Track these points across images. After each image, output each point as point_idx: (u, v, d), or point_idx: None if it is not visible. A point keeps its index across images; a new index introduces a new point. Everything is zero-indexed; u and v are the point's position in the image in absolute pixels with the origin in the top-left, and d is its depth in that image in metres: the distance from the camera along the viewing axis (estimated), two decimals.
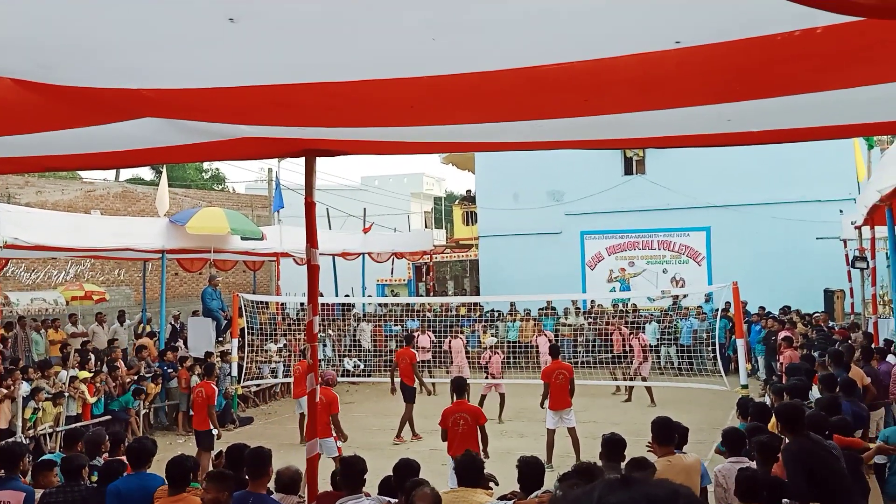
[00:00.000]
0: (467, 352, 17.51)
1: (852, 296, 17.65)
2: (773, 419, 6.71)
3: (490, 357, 15.11)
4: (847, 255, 17.68)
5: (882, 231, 13.87)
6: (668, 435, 5.81)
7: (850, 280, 17.51)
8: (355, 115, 3.90)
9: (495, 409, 14.09)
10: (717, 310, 18.06)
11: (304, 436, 12.80)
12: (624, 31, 2.54)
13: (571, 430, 11.39)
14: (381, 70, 3.00)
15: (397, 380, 14.02)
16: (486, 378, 14.93)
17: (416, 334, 17.55)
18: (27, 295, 18.97)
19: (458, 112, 3.76)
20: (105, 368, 14.27)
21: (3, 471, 6.14)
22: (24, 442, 8.58)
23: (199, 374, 13.79)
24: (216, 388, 11.64)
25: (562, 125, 3.93)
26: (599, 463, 5.89)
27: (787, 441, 5.64)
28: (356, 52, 2.82)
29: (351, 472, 5.60)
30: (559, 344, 16.50)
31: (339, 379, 18.88)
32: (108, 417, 13.29)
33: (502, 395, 14.50)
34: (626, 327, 17.90)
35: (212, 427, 11.23)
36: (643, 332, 17.80)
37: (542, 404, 11.95)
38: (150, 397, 14.52)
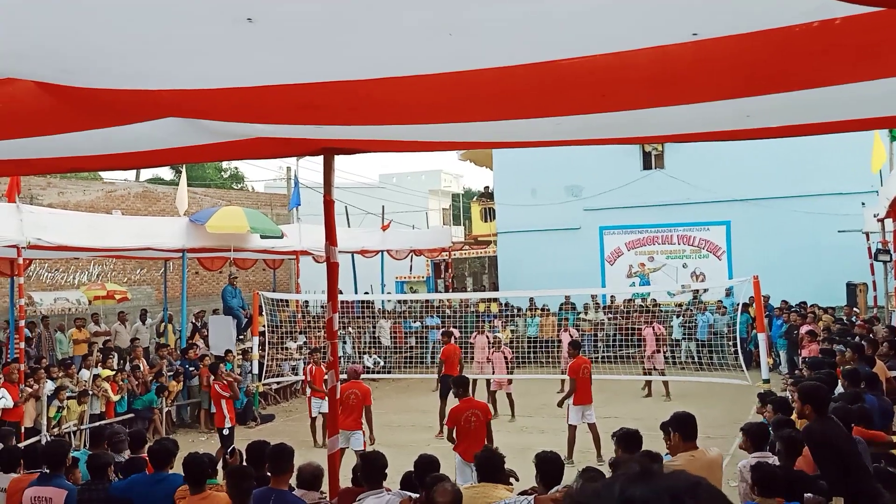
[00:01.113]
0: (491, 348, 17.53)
1: (875, 289, 17.49)
2: (795, 414, 6.66)
3: (493, 353, 15.07)
4: (869, 248, 17.51)
5: None
6: (691, 429, 5.78)
7: (872, 273, 17.33)
8: (373, 113, 3.91)
9: (503, 408, 14.17)
10: (737, 304, 17.97)
11: (317, 439, 12.83)
12: (640, 23, 2.54)
13: (592, 426, 11.39)
14: (397, 67, 3.01)
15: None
16: (492, 372, 14.91)
17: (452, 330, 17.34)
18: (50, 295, 19.19)
19: (475, 109, 3.76)
20: (127, 367, 14.43)
21: (48, 468, 6.23)
22: (65, 440, 8.70)
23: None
24: (225, 383, 11.98)
25: (580, 123, 3.92)
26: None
27: (809, 423, 5.56)
28: (372, 50, 2.84)
29: (372, 468, 5.63)
30: (580, 339, 16.49)
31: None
32: (132, 416, 13.43)
33: (509, 395, 14.48)
34: (653, 323, 17.76)
35: (226, 423, 11.51)
36: (658, 323, 17.73)
37: (560, 403, 11.90)
38: (173, 395, 14.64)
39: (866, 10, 2.20)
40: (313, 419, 13.03)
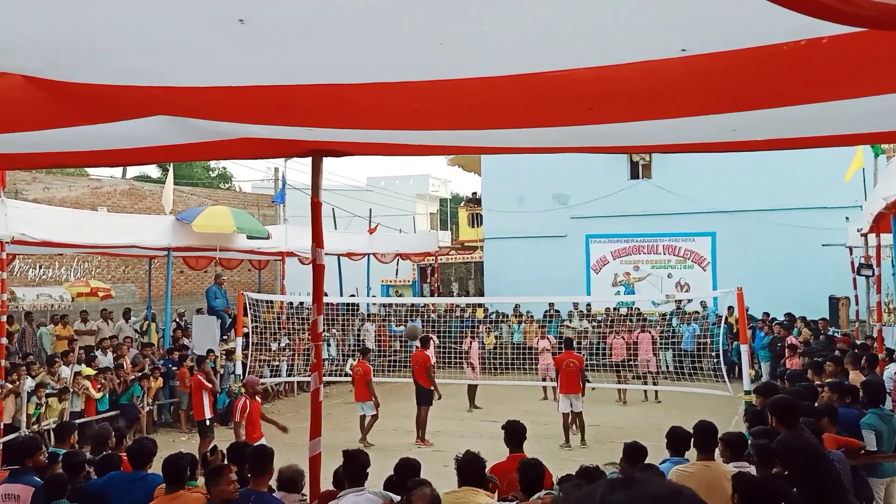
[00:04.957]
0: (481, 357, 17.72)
1: (857, 303, 17.61)
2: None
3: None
4: (853, 263, 17.64)
5: (888, 239, 13.83)
6: (708, 441, 5.82)
7: (855, 287, 17.46)
8: (361, 118, 3.92)
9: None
10: (720, 315, 18.10)
11: (365, 437, 13.12)
12: (630, 38, 2.56)
13: (578, 415, 12.78)
14: (386, 74, 3.02)
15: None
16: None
17: (432, 337, 17.33)
18: (33, 291, 19.03)
19: (462, 118, 3.78)
20: (111, 364, 14.36)
21: (18, 464, 6.20)
22: (38, 437, 8.63)
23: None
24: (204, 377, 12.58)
25: (566, 133, 3.94)
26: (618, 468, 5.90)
27: (780, 435, 5.62)
28: (362, 56, 2.85)
29: (354, 466, 5.64)
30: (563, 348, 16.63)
31: (342, 379, 18.99)
32: (117, 412, 13.39)
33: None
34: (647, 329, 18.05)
35: (206, 415, 12.22)
36: (652, 329, 18.03)
37: (556, 397, 13.54)
38: (153, 391, 14.55)
39: (853, 29, 2.23)
40: (363, 417, 13.48)
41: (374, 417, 13.39)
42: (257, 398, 10.92)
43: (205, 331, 16.84)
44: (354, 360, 19.78)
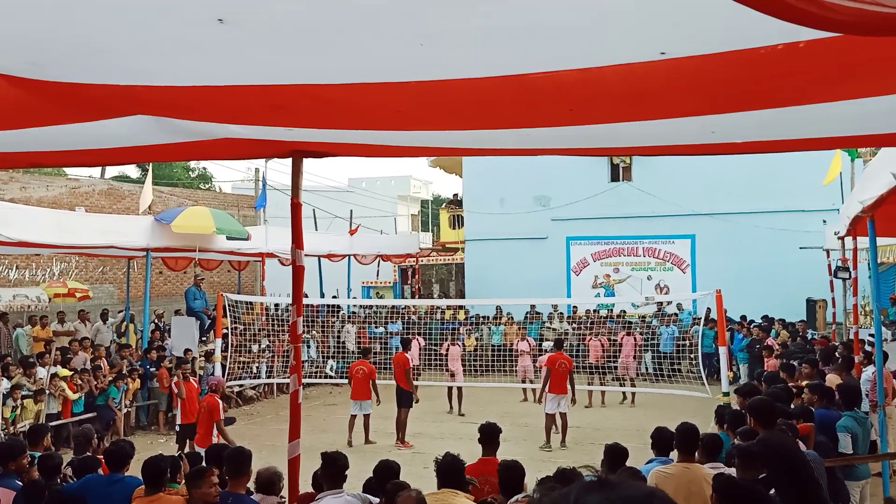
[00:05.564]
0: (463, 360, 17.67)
1: (834, 305, 17.79)
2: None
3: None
4: (830, 265, 17.81)
5: (864, 242, 13.95)
6: (689, 443, 5.86)
7: (832, 290, 17.63)
8: (343, 118, 3.91)
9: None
10: (699, 317, 18.22)
11: (351, 438, 13.13)
12: (610, 40, 2.57)
13: (563, 416, 12.83)
14: (368, 74, 3.02)
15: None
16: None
17: (412, 339, 17.25)
18: (9, 291, 18.82)
19: (444, 119, 3.78)
20: (88, 366, 14.21)
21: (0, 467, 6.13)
22: (22, 440, 8.55)
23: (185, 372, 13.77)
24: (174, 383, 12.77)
25: (547, 134, 3.96)
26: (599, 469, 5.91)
27: (762, 434, 5.66)
28: (344, 56, 2.84)
29: (332, 468, 5.62)
30: (542, 349, 16.70)
31: (322, 381, 18.94)
32: (93, 415, 13.25)
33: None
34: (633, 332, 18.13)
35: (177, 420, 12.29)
36: (637, 332, 18.13)
37: (540, 395, 13.56)
38: (130, 392, 14.43)
39: (829, 34, 2.25)
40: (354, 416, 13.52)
41: (367, 416, 13.38)
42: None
43: (184, 332, 16.74)
44: (336, 361, 19.82)
